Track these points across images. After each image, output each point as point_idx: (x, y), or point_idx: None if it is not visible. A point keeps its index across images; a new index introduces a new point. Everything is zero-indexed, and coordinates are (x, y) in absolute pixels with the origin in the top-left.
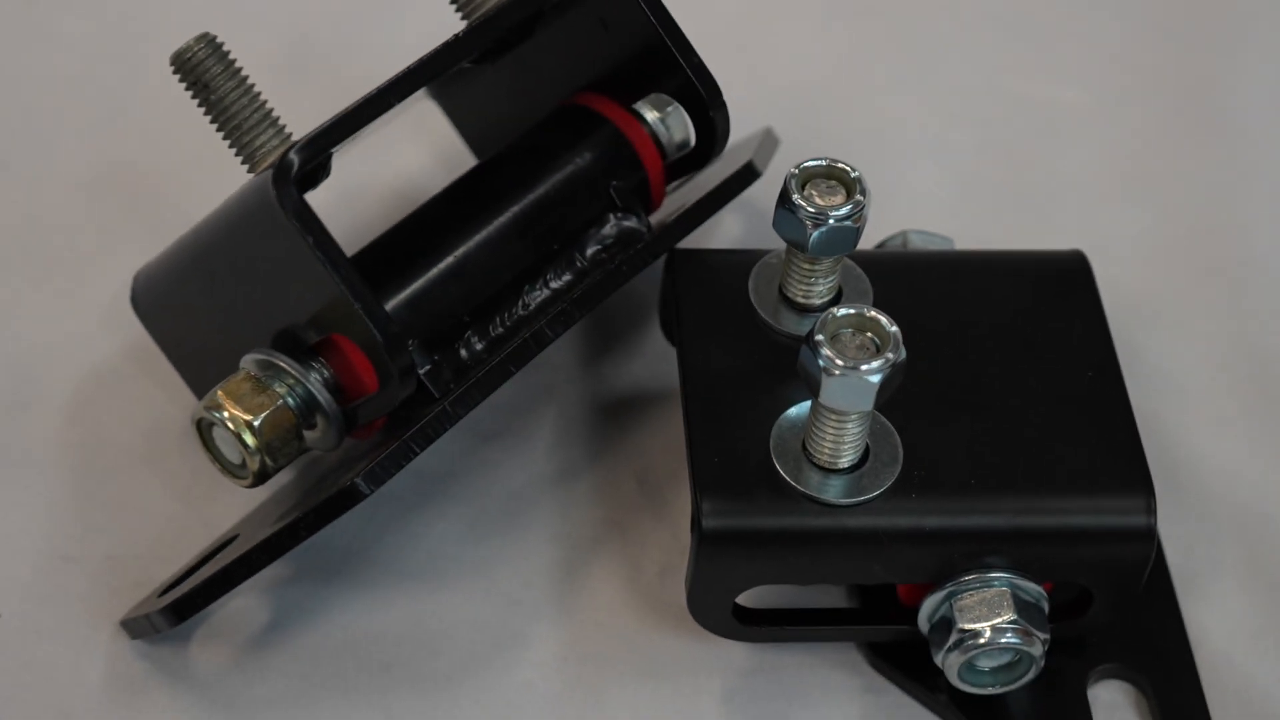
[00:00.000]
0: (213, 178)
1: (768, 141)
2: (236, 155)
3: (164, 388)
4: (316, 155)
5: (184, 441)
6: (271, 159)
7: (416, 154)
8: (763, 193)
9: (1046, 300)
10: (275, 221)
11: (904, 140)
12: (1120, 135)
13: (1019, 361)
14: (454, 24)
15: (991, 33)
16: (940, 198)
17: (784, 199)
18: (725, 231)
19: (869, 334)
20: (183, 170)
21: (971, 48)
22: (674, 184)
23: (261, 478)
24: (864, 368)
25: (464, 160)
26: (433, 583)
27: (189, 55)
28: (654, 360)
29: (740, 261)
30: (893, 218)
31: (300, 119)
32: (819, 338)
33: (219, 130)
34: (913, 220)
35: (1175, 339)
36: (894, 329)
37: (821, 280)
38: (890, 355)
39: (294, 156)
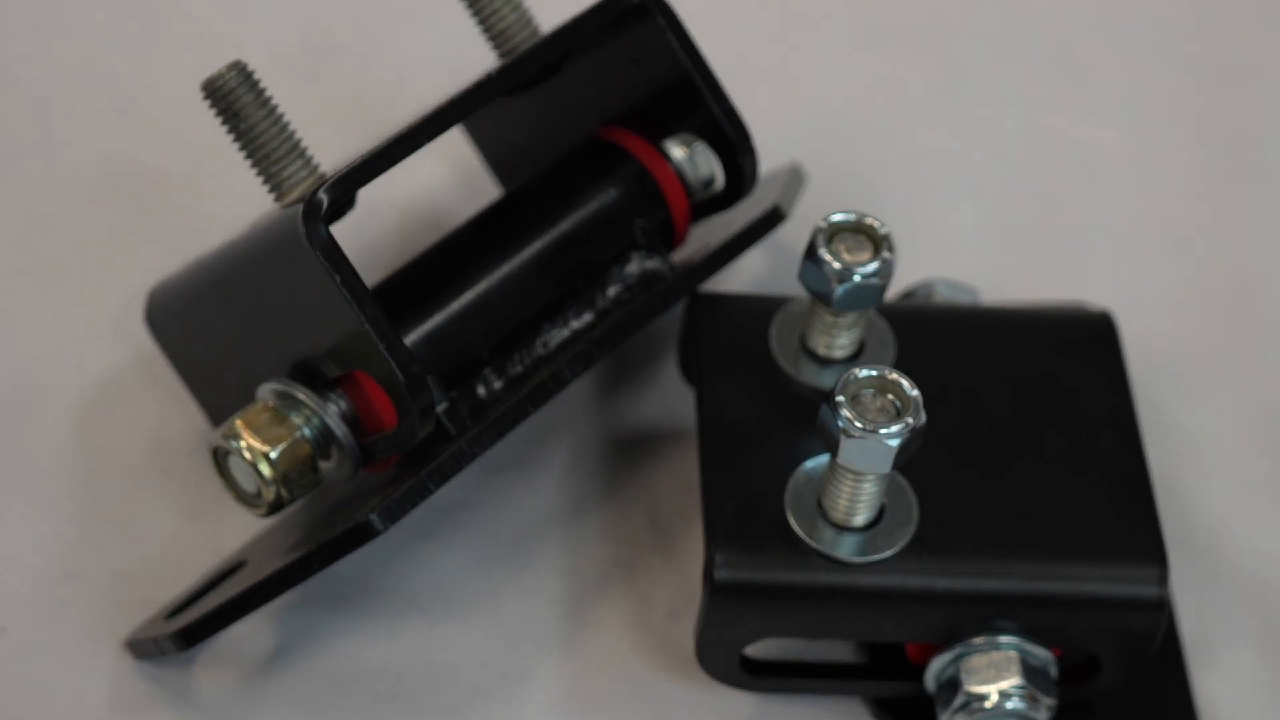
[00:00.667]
0: (226, 181)
1: (794, 179)
2: (264, 184)
3: (172, 402)
4: (345, 193)
5: (191, 458)
6: (300, 192)
7: (435, 170)
8: (788, 229)
9: (1070, 361)
10: (303, 257)
11: (935, 177)
12: (1160, 182)
13: (1039, 423)
14: (472, 31)
15: (1031, 67)
16: (969, 238)
17: (810, 252)
18: (748, 269)
19: (890, 396)
20: (195, 172)
21: (1010, 82)
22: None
23: (276, 508)
24: (883, 431)
25: (483, 177)
26: (438, 614)
27: (220, 83)
28: (670, 397)
29: (762, 308)
30: (920, 258)
31: (313, 123)
32: (839, 398)
33: (247, 158)
34: (939, 261)
35: (1201, 399)
36: (915, 393)
37: (844, 333)
38: (910, 420)
39: (323, 195)
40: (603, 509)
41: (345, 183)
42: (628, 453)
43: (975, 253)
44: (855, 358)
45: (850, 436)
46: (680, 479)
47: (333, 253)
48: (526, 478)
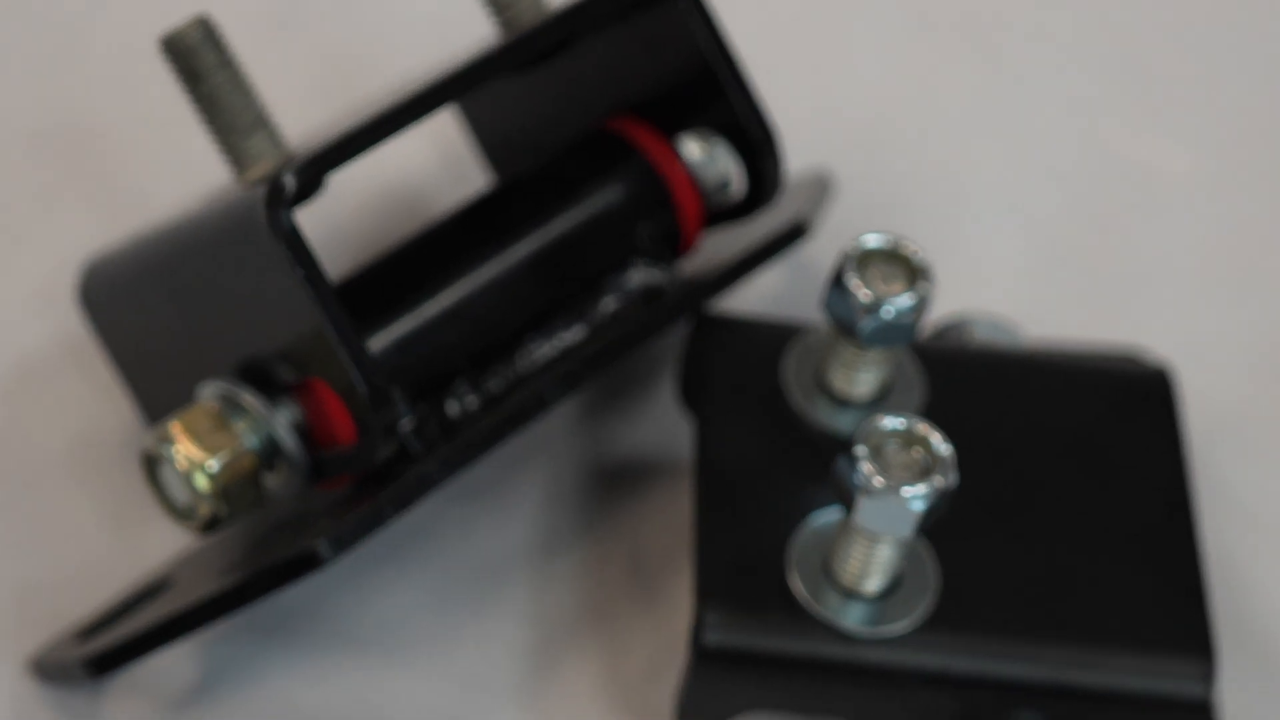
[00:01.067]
0: (179, 144)
1: (821, 188)
2: (222, 155)
3: (101, 391)
4: (315, 177)
5: (118, 456)
6: (263, 170)
7: (417, 149)
8: (810, 243)
9: (1120, 422)
10: (262, 245)
11: (979, 193)
12: (1235, 216)
13: (1081, 489)
14: None
15: (1097, 77)
16: (1013, 265)
17: (837, 279)
18: (762, 286)
19: (918, 451)
20: (145, 131)
21: (1071, 90)
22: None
23: (212, 526)
24: (907, 491)
25: (472, 161)
26: (385, 654)
27: (181, 41)
28: (664, 426)
29: (777, 336)
30: (956, 285)
31: (282, 87)
32: (860, 449)
33: (206, 125)
34: (978, 289)
35: (1266, 468)
36: (947, 450)
37: (868, 371)
38: (939, 480)
39: (290, 179)
40: (580, 548)
41: (316, 165)
42: (613, 485)
43: (1019, 282)
44: (878, 402)
45: (869, 494)
46: (670, 520)
47: (296, 244)
48: (496, 506)
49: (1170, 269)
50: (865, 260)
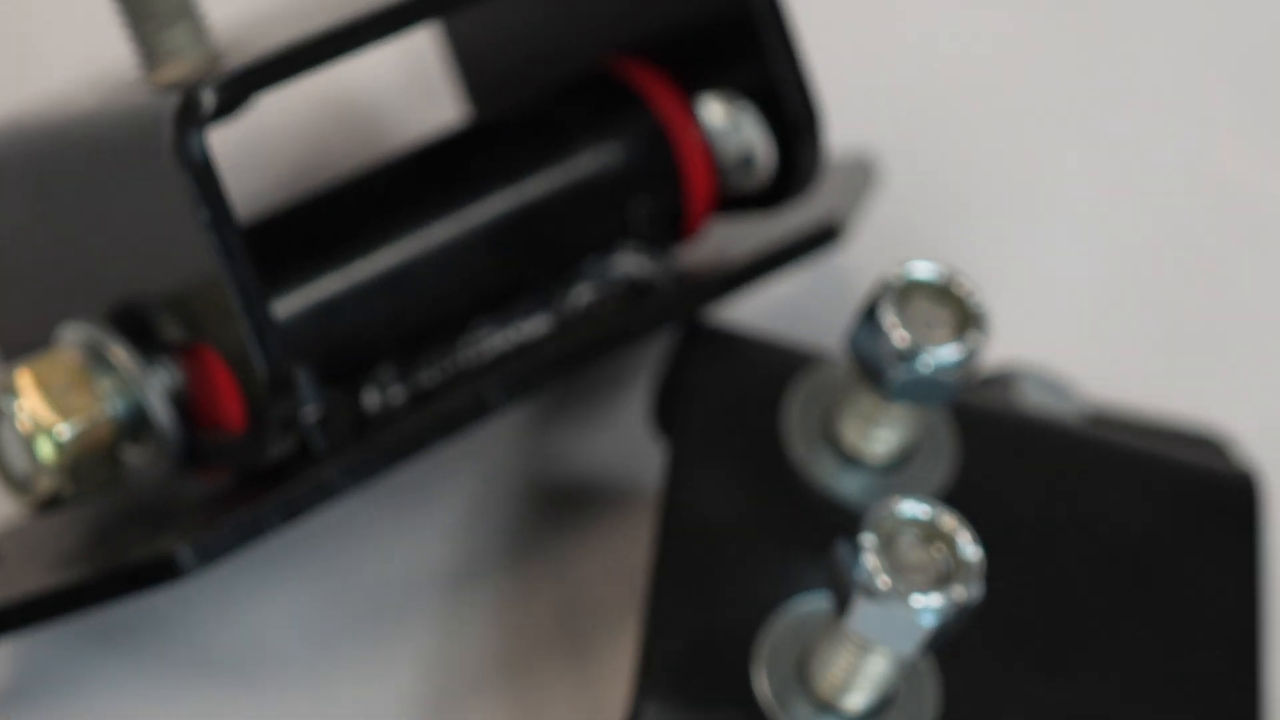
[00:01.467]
0: (81, 8)
1: (862, 179)
2: (131, 44)
3: None
4: (241, 95)
5: None
6: (179, 72)
7: (378, 57)
8: (843, 245)
9: (1186, 532)
10: (162, 170)
11: (1052, 209)
12: None
13: (1127, 609)
14: None
15: (1212, 87)
16: (1082, 303)
17: (869, 313)
18: (774, 290)
19: (939, 549)
20: None
21: (1179, 100)
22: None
23: (50, 504)
24: (918, 601)
25: (443, 82)
26: (245, 682)
27: None
28: (628, 443)
29: (783, 364)
30: (1010, 320)
31: None
32: (867, 537)
33: (117, 6)
34: (1032, 330)
35: None
36: (975, 555)
37: (889, 428)
38: (959, 591)
39: (209, 95)
40: (502, 580)
41: (244, 82)
42: (553, 510)
43: (1087, 326)
44: (897, 467)
45: (870, 596)
46: (618, 562)
47: (205, 178)
48: (408, 515)
49: (1276, 333)
50: (907, 294)
